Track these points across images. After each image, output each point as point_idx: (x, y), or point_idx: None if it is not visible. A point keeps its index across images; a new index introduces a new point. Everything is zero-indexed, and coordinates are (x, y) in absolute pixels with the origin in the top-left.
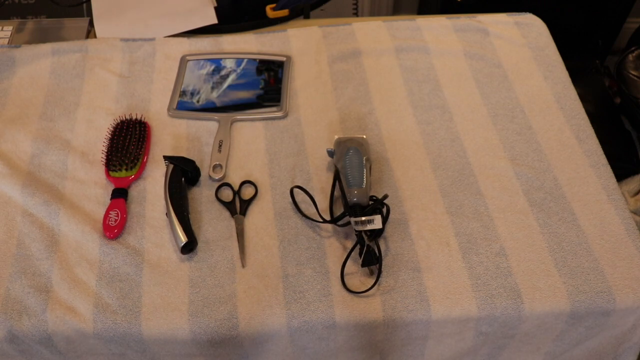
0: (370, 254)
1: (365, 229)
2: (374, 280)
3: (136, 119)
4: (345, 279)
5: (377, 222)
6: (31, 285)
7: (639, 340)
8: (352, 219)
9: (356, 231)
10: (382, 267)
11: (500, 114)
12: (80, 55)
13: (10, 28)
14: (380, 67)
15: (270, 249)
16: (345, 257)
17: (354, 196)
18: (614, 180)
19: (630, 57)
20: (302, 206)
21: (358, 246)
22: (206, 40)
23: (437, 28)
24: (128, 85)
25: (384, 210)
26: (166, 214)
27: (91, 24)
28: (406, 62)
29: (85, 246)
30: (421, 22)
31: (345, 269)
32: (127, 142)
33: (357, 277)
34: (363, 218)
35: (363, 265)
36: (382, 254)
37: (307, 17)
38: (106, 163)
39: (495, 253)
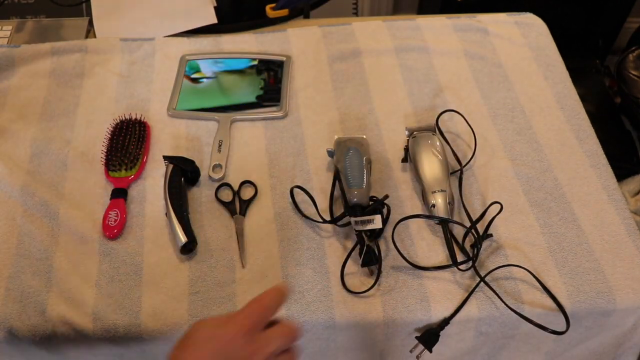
0: (370, 254)
1: (365, 228)
2: (373, 280)
3: (136, 119)
4: (346, 279)
5: (377, 222)
6: (31, 285)
7: (639, 341)
8: (352, 219)
9: (356, 231)
10: (382, 267)
11: (500, 113)
12: (80, 55)
13: (10, 28)
14: (380, 67)
15: (270, 249)
16: (345, 257)
17: (354, 196)
18: (614, 180)
19: (631, 56)
20: (302, 206)
21: (358, 246)
22: (206, 40)
23: (437, 28)
24: (128, 85)
25: (385, 210)
26: (166, 214)
27: (91, 23)
28: (406, 62)
29: (85, 246)
30: (421, 22)
31: (346, 269)
32: (127, 142)
33: (357, 277)
34: (363, 218)
35: (363, 265)
36: (383, 254)
37: (307, 17)
38: (106, 163)
39: (496, 253)
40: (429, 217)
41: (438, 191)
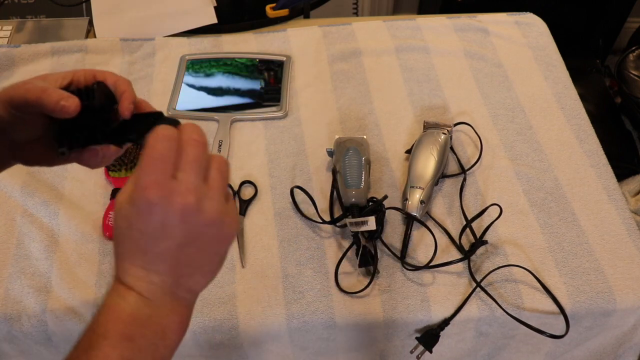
0: (366, 255)
1: (360, 230)
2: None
3: None
4: (344, 280)
5: (370, 224)
6: (31, 285)
7: (639, 341)
8: (348, 220)
9: (352, 232)
10: (382, 267)
11: (500, 113)
12: (80, 55)
13: (10, 28)
14: (380, 67)
15: (270, 249)
16: (340, 257)
17: (352, 196)
18: (614, 180)
19: (631, 56)
20: (302, 206)
21: (355, 247)
22: (206, 40)
23: (437, 28)
24: None
25: (384, 210)
26: None
27: (91, 23)
28: (406, 62)
29: (85, 246)
30: (421, 22)
31: (344, 269)
32: None
33: (355, 277)
34: (357, 220)
35: (360, 266)
36: (382, 254)
37: (307, 16)
38: None
39: (496, 254)
40: (397, 209)
41: (416, 187)
